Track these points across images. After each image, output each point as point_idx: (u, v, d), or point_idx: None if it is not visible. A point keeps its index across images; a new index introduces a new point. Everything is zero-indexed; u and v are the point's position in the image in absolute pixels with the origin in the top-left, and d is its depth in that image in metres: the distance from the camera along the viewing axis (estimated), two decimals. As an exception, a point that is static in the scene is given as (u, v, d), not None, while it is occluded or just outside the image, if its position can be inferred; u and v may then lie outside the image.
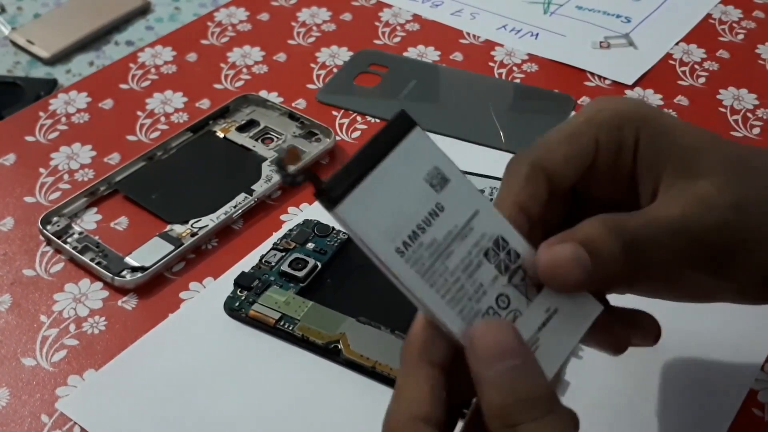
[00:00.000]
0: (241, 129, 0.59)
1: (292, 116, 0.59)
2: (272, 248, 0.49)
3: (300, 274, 0.48)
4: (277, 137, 0.58)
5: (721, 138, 0.36)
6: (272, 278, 0.48)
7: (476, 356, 0.28)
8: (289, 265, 0.48)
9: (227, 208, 0.52)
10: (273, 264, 0.48)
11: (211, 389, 0.43)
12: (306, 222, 0.51)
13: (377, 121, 0.60)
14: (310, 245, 0.50)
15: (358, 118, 0.60)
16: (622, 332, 0.36)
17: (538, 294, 0.30)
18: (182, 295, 0.48)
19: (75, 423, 0.42)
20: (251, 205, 0.53)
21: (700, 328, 0.46)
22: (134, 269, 0.49)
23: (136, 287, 0.48)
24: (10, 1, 0.78)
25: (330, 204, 0.28)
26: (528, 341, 0.29)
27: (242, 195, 0.53)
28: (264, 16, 0.71)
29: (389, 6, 0.72)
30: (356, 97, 0.62)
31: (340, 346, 0.44)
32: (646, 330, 0.38)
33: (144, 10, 0.76)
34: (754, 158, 0.36)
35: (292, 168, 0.29)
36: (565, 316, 0.30)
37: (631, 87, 0.63)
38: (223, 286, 0.48)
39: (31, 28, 0.73)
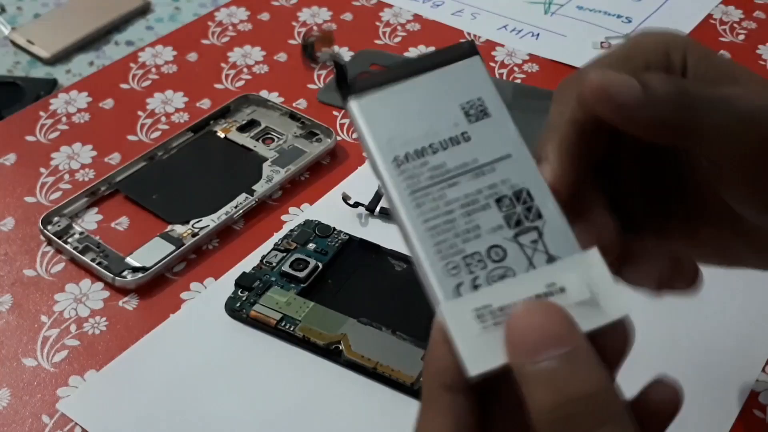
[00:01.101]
0: (242, 129, 0.59)
1: (292, 116, 0.59)
2: (273, 249, 0.49)
3: (301, 274, 0.48)
4: (278, 137, 0.58)
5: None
6: (273, 279, 0.48)
7: (516, 345, 0.23)
8: (291, 266, 0.48)
9: (228, 208, 0.52)
10: (274, 264, 0.48)
11: (212, 390, 0.43)
12: (307, 222, 0.51)
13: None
14: (311, 246, 0.50)
15: (359, 119, 0.60)
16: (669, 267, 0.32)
17: (547, 264, 0.26)
18: (183, 295, 0.48)
19: (76, 424, 0.42)
20: (252, 206, 0.53)
21: (701, 330, 0.46)
22: (135, 269, 0.49)
23: (137, 287, 0.48)
24: (10, 1, 0.78)
25: (345, 94, 0.27)
26: (506, 307, 0.25)
27: (243, 195, 0.53)
28: (264, 16, 0.71)
29: (390, 6, 0.72)
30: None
31: (342, 347, 0.44)
32: (686, 273, 0.34)
33: (144, 10, 0.76)
34: None
35: (323, 51, 0.28)
36: (573, 301, 0.25)
37: (632, 87, 0.63)
38: (224, 286, 0.48)
39: (31, 28, 0.73)
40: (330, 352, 0.44)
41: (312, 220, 0.51)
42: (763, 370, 0.44)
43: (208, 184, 0.55)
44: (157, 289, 0.48)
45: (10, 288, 0.49)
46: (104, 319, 0.47)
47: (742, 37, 0.69)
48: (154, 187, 0.54)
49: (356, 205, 0.52)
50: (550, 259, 0.26)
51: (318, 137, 0.58)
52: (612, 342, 0.25)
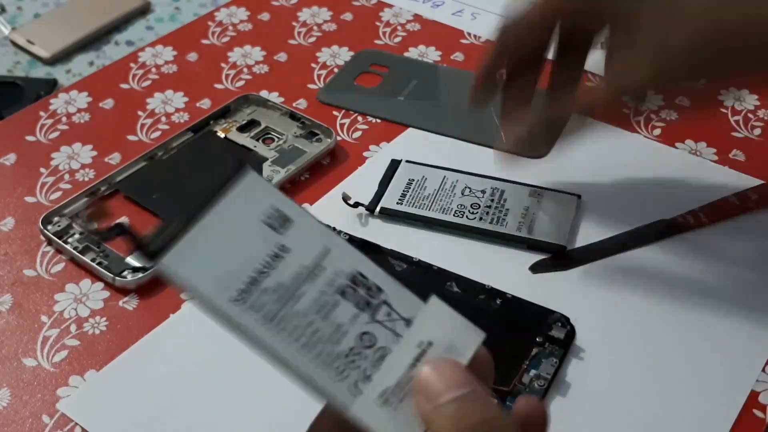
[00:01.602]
0: (242, 129, 0.59)
1: (293, 116, 0.59)
2: None
3: None
4: (278, 137, 0.58)
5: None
6: None
7: (426, 396, 0.27)
8: None
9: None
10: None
11: (212, 389, 0.43)
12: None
13: (378, 121, 0.60)
14: None
15: (359, 118, 0.60)
16: None
17: (408, 328, 0.28)
18: (183, 295, 0.48)
19: (76, 424, 0.42)
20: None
21: (701, 329, 0.46)
22: (135, 269, 0.49)
23: (137, 287, 0.48)
24: (10, 1, 0.78)
25: (149, 258, 0.26)
26: (401, 380, 0.27)
27: None
28: (265, 16, 0.71)
29: (390, 6, 0.72)
30: (357, 96, 0.62)
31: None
32: None
33: (144, 10, 0.76)
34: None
35: (97, 225, 0.28)
36: (442, 348, 0.28)
37: (632, 87, 0.63)
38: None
39: (31, 28, 0.73)
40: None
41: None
42: (763, 369, 0.44)
43: (208, 185, 0.55)
44: (158, 289, 0.48)
45: (10, 288, 0.49)
46: (104, 319, 0.47)
47: (742, 37, 0.69)
48: (154, 187, 0.54)
49: (356, 205, 0.52)
50: (408, 322, 0.28)
51: (318, 137, 0.58)
52: (481, 362, 0.28)
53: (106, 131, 0.59)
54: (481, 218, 0.51)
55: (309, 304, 0.27)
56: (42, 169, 0.56)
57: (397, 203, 0.52)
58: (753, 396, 0.43)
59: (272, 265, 0.27)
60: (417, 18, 0.71)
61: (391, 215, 0.52)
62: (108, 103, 0.62)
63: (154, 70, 0.65)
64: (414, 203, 0.52)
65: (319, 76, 0.64)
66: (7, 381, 0.44)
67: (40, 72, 0.69)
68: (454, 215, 0.51)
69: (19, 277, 0.49)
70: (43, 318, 0.47)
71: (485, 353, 0.29)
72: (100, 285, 0.49)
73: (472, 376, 0.27)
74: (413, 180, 0.54)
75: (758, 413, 0.42)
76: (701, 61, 0.43)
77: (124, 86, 0.64)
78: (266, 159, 0.56)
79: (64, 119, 0.61)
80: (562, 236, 0.50)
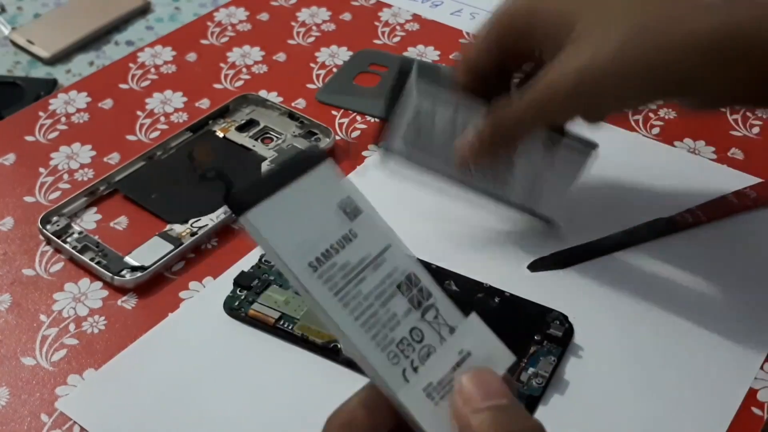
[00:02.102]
0: (241, 129, 0.59)
1: (291, 116, 0.59)
2: None
3: None
4: (277, 137, 0.58)
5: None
6: (272, 277, 0.48)
7: (465, 400, 0.28)
8: None
9: (226, 207, 0.52)
10: (273, 263, 0.48)
11: (210, 388, 0.43)
12: None
13: (377, 120, 0.60)
14: None
15: (358, 118, 0.60)
16: None
17: (451, 335, 0.30)
18: (182, 294, 0.48)
19: (75, 422, 0.42)
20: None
21: (699, 327, 0.46)
22: (134, 269, 0.49)
23: (136, 287, 0.48)
24: (10, 1, 0.78)
25: (240, 208, 0.27)
26: (442, 379, 0.29)
27: None
28: (264, 16, 0.71)
29: (389, 6, 0.72)
30: (356, 96, 0.62)
31: (340, 345, 0.44)
32: None
33: (144, 10, 0.76)
34: (639, 14, 0.41)
35: (203, 163, 0.29)
36: (480, 360, 0.30)
37: (631, 86, 0.63)
38: (222, 285, 0.48)
39: (31, 28, 0.73)
40: (328, 351, 0.44)
41: None
42: (762, 367, 0.44)
43: (207, 184, 0.55)
44: (156, 288, 0.48)
45: (9, 287, 0.49)
46: (103, 318, 0.47)
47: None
48: (152, 186, 0.54)
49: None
50: (451, 330, 0.30)
51: (317, 137, 0.58)
52: (509, 382, 0.30)
53: (105, 131, 0.60)
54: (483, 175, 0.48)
55: (371, 289, 0.29)
56: (41, 169, 0.56)
57: (404, 142, 0.48)
58: (751, 394, 0.43)
59: (343, 245, 0.29)
60: (416, 18, 0.71)
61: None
62: (107, 103, 0.62)
63: (153, 70, 0.65)
64: (419, 143, 0.48)
65: (318, 76, 0.64)
66: (6, 380, 0.44)
67: (40, 72, 0.70)
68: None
69: (18, 276, 0.49)
70: (42, 317, 0.47)
71: (509, 377, 0.30)
72: (98, 284, 0.49)
73: (508, 389, 0.29)
74: (421, 111, 0.48)
75: (756, 411, 0.42)
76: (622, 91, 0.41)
77: (123, 86, 0.64)
78: (265, 158, 0.56)
79: (63, 119, 0.61)
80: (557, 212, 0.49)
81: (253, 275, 0.48)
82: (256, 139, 0.58)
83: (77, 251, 0.50)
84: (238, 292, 0.47)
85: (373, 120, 0.60)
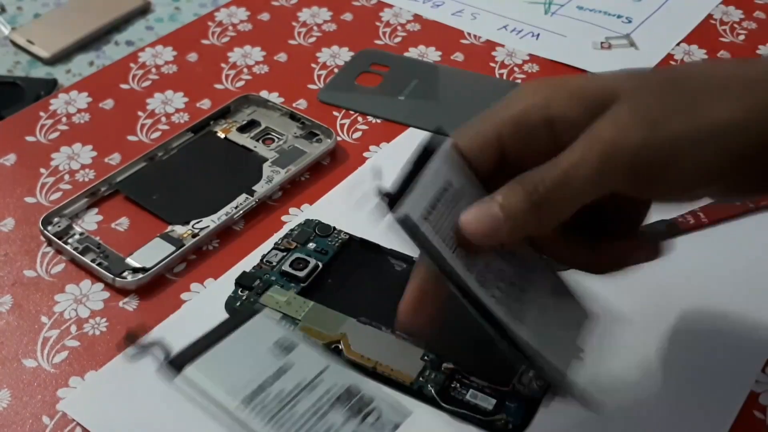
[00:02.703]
0: (242, 129, 0.59)
1: (293, 117, 0.59)
2: (273, 248, 0.49)
3: (301, 273, 0.48)
4: (278, 137, 0.58)
5: (646, 70, 0.38)
6: (273, 278, 0.48)
7: None
8: (290, 265, 0.48)
9: (228, 208, 0.52)
10: (274, 264, 0.48)
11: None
12: (307, 222, 0.51)
13: (378, 121, 0.60)
14: (312, 245, 0.50)
15: (359, 119, 0.60)
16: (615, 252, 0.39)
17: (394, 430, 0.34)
18: (183, 296, 0.48)
19: (76, 424, 0.42)
20: (252, 206, 0.53)
21: (700, 329, 0.46)
22: (135, 270, 0.49)
23: (137, 288, 0.48)
24: (10, 0, 0.78)
25: (174, 371, 0.34)
26: None
27: (243, 196, 0.53)
28: (264, 16, 0.71)
29: (390, 6, 0.72)
30: (358, 96, 0.62)
31: (341, 346, 0.44)
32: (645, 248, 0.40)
33: (144, 10, 0.76)
34: (668, 76, 0.37)
35: (137, 343, 0.35)
36: None
37: (632, 88, 0.63)
38: (223, 286, 0.48)
39: (31, 28, 0.73)
40: (330, 352, 0.44)
41: (312, 220, 0.51)
42: (763, 370, 0.44)
43: (209, 185, 0.55)
44: (158, 289, 0.48)
45: (11, 289, 0.49)
46: (104, 320, 0.47)
47: (742, 37, 0.69)
48: (154, 187, 0.54)
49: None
50: (395, 426, 0.34)
51: (318, 137, 0.58)
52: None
53: (106, 131, 0.59)
54: (504, 295, 0.36)
55: (306, 407, 0.34)
56: (42, 170, 0.56)
57: (424, 216, 0.34)
58: (753, 397, 0.43)
59: (278, 377, 0.35)
60: (417, 18, 0.71)
61: (409, 228, 0.34)
62: (108, 104, 0.62)
63: (154, 70, 0.65)
64: (440, 227, 0.34)
65: (319, 76, 0.64)
66: (8, 382, 0.44)
67: (40, 72, 0.69)
68: (477, 278, 0.35)
69: (19, 277, 0.49)
70: (43, 319, 0.47)
71: None
72: (100, 286, 0.49)
73: None
74: (450, 186, 0.36)
75: (758, 414, 0.42)
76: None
77: (124, 86, 0.64)
78: (266, 159, 0.56)
79: (64, 119, 0.61)
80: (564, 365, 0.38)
81: (255, 276, 0.48)
82: (257, 140, 0.58)
83: (78, 252, 0.50)
84: (239, 292, 0.47)
85: (374, 120, 0.60)
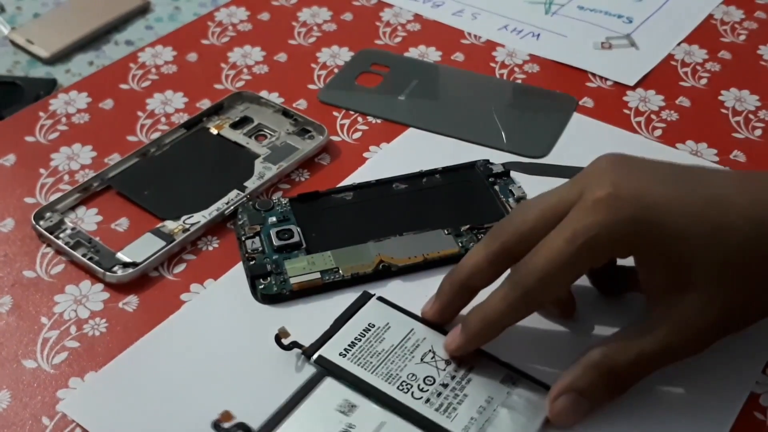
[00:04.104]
0: (235, 126, 0.59)
1: (286, 113, 0.60)
2: (245, 240, 0.50)
3: (295, 240, 0.49)
4: (271, 134, 0.58)
5: (722, 232, 0.39)
6: (276, 257, 0.48)
7: None
8: (280, 239, 0.49)
9: (219, 204, 0.53)
10: (263, 248, 0.49)
11: (211, 389, 0.43)
12: (244, 208, 0.52)
13: (378, 121, 0.60)
14: (271, 219, 0.51)
15: (359, 119, 0.60)
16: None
17: None
18: (183, 297, 0.48)
19: (76, 425, 0.42)
20: (243, 202, 0.53)
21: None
22: (126, 265, 0.49)
23: (130, 283, 0.48)
24: (9, 0, 0.78)
25: None
26: None
27: (235, 191, 0.53)
28: (264, 16, 0.71)
29: (390, 6, 0.72)
30: (358, 96, 0.62)
31: (387, 262, 0.48)
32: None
33: (144, 10, 0.76)
34: (751, 257, 0.39)
35: (227, 424, 0.40)
36: None
37: (633, 88, 0.63)
38: (223, 286, 0.48)
39: (30, 28, 0.73)
40: (382, 273, 0.48)
41: (246, 205, 0.52)
42: (764, 371, 0.44)
43: (200, 181, 0.55)
44: (157, 290, 0.48)
45: (10, 289, 0.49)
46: (104, 320, 0.47)
47: (743, 37, 0.69)
48: (146, 183, 0.55)
49: (291, 347, 0.44)
50: None
51: (311, 134, 0.58)
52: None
53: (105, 132, 0.59)
54: (428, 400, 0.41)
55: None
56: (41, 170, 0.56)
57: (341, 354, 0.43)
58: (754, 398, 0.43)
59: None
60: (417, 18, 0.71)
61: (328, 368, 0.42)
62: (107, 104, 0.62)
63: (153, 70, 0.65)
64: (360, 358, 0.43)
65: (319, 76, 0.64)
66: (7, 383, 0.44)
67: (40, 72, 0.69)
68: (398, 388, 0.41)
69: (19, 278, 0.49)
70: (43, 319, 0.47)
71: None
72: (99, 286, 0.49)
73: None
74: (373, 326, 0.44)
75: (759, 416, 0.42)
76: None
77: (123, 86, 0.63)
78: (258, 155, 0.56)
79: (63, 120, 0.60)
80: None
81: (263, 263, 0.48)
82: (249, 137, 0.58)
83: (70, 247, 0.50)
84: (262, 281, 0.47)
85: (374, 121, 0.60)
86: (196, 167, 0.56)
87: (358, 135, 0.59)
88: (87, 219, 0.52)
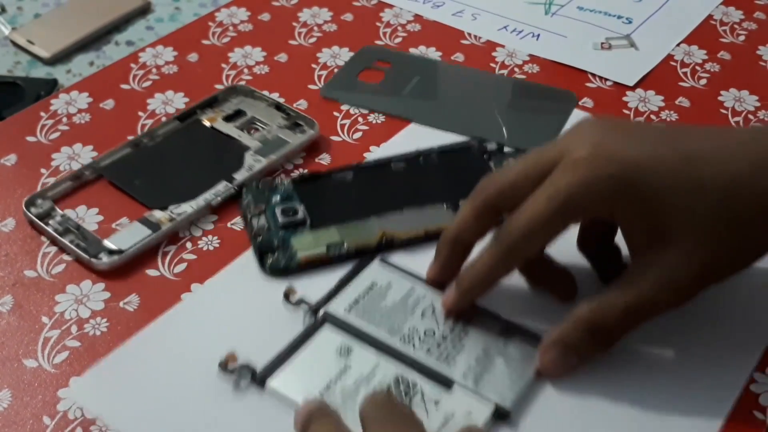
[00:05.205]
0: (228, 119, 0.60)
1: (278, 107, 0.60)
2: (250, 218, 0.51)
3: (299, 217, 0.51)
4: (263, 127, 0.59)
5: (698, 189, 0.40)
6: (282, 233, 0.50)
7: None
8: (285, 216, 0.51)
9: (207, 195, 0.53)
10: (269, 225, 0.50)
11: (219, 376, 0.44)
12: (247, 188, 0.53)
13: (379, 121, 0.60)
14: (276, 198, 0.52)
15: (360, 119, 0.60)
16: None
17: (436, 406, 0.41)
18: (184, 296, 0.48)
19: (78, 424, 0.42)
20: (231, 193, 0.54)
21: (695, 327, 0.46)
22: (111, 252, 0.50)
23: (111, 270, 0.49)
24: (10, 1, 0.78)
25: (261, 382, 0.42)
26: None
27: (223, 183, 0.54)
28: (265, 16, 0.71)
29: (390, 6, 0.72)
30: (360, 93, 0.63)
31: (390, 236, 0.50)
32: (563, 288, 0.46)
33: (144, 10, 0.76)
34: (727, 212, 0.40)
35: (231, 365, 0.42)
36: (460, 417, 0.40)
37: (632, 88, 0.63)
38: (221, 282, 0.49)
39: (31, 28, 0.73)
40: (385, 246, 0.49)
41: (249, 187, 0.53)
42: (763, 371, 0.44)
43: (190, 172, 0.56)
44: (158, 290, 0.48)
45: (11, 289, 0.49)
46: (105, 320, 0.47)
47: (742, 38, 0.69)
48: (137, 173, 0.55)
49: (299, 303, 0.47)
50: (436, 402, 0.41)
51: (302, 128, 0.58)
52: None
53: (106, 132, 0.59)
54: (428, 350, 0.44)
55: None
56: (43, 170, 0.56)
57: (346, 309, 0.46)
58: (753, 397, 0.43)
59: (340, 376, 0.42)
60: (417, 18, 0.71)
61: (333, 323, 0.45)
62: (108, 104, 0.62)
63: (154, 70, 0.65)
64: (364, 314, 0.45)
65: (319, 76, 0.64)
66: (8, 382, 0.44)
67: (41, 72, 0.69)
68: (400, 340, 0.44)
69: (20, 278, 0.49)
70: (44, 319, 0.47)
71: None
72: (100, 286, 0.49)
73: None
74: (375, 284, 0.47)
75: (758, 415, 0.42)
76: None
77: (124, 87, 0.64)
78: (249, 148, 0.57)
79: (64, 120, 0.61)
80: (509, 397, 0.42)
81: (270, 239, 0.50)
82: (242, 129, 0.59)
83: (58, 234, 0.51)
84: (269, 255, 0.49)
85: (375, 121, 0.60)
86: (187, 158, 0.57)
87: (358, 135, 0.59)
88: (78, 206, 0.53)
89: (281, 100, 0.61)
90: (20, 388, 0.44)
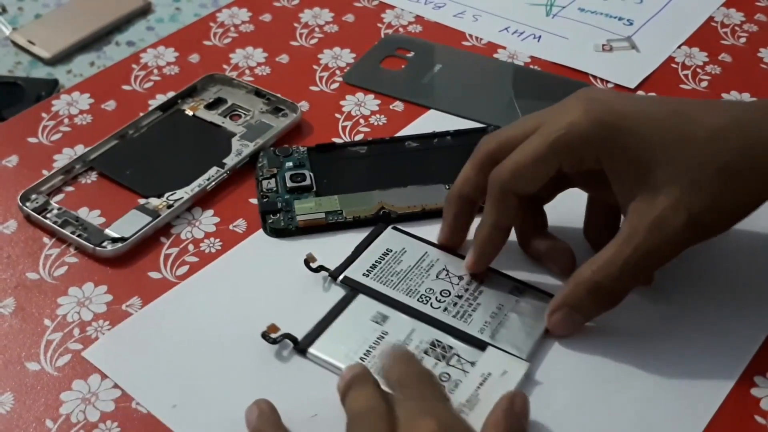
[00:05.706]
0: (210, 107, 0.60)
1: (258, 93, 0.61)
2: (261, 179, 0.54)
3: (306, 183, 0.53)
4: (245, 114, 0.60)
5: (684, 140, 0.42)
6: (288, 197, 0.53)
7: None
8: (293, 181, 0.53)
9: (201, 180, 0.54)
10: (276, 189, 0.53)
11: (235, 343, 0.45)
12: (264, 152, 0.56)
13: (380, 123, 0.60)
14: (289, 164, 0.55)
15: (361, 121, 0.60)
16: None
17: (473, 367, 0.43)
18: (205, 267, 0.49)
19: (80, 428, 0.42)
20: (224, 178, 0.55)
21: (692, 326, 0.46)
22: (114, 240, 0.50)
23: (115, 257, 0.50)
24: (11, 1, 0.78)
25: (302, 350, 0.44)
26: (470, 398, 0.41)
27: (215, 168, 0.55)
28: (266, 17, 0.71)
29: (392, 7, 0.72)
30: (382, 79, 0.64)
31: (387, 209, 0.52)
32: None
33: (145, 11, 0.76)
34: (712, 165, 0.41)
35: (274, 335, 0.44)
36: (497, 377, 0.42)
37: (633, 90, 0.63)
38: (216, 274, 0.49)
39: (31, 29, 0.73)
40: (382, 218, 0.51)
41: (266, 150, 0.56)
42: (765, 375, 0.44)
43: (180, 159, 0.57)
44: (160, 292, 0.48)
45: (13, 291, 0.49)
46: (107, 322, 0.47)
47: (743, 40, 0.69)
48: (127, 163, 0.56)
49: (319, 269, 0.48)
50: (473, 364, 0.43)
51: (284, 112, 0.60)
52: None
53: (107, 133, 0.59)
54: (446, 309, 0.46)
55: None
56: (44, 171, 0.56)
57: (364, 274, 0.48)
58: (755, 402, 0.43)
59: (379, 342, 0.44)
60: (419, 19, 0.71)
61: (353, 286, 0.47)
62: (110, 105, 0.62)
63: (156, 71, 0.65)
64: (381, 277, 0.48)
65: (321, 77, 0.64)
66: (11, 385, 0.44)
67: (41, 72, 0.69)
68: (418, 300, 0.46)
69: (22, 280, 0.49)
70: (46, 321, 0.47)
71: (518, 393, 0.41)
72: (103, 288, 0.49)
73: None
74: (390, 251, 0.49)
75: (760, 420, 0.42)
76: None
77: (126, 87, 0.63)
78: (234, 134, 0.58)
79: (66, 120, 0.60)
80: (525, 349, 0.44)
81: (274, 201, 0.52)
82: (225, 117, 0.60)
83: (58, 226, 0.51)
84: (272, 216, 0.52)
85: (377, 123, 0.60)
86: (175, 147, 0.58)
87: (359, 137, 0.59)
88: (72, 198, 0.54)
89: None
90: (22, 391, 0.44)
